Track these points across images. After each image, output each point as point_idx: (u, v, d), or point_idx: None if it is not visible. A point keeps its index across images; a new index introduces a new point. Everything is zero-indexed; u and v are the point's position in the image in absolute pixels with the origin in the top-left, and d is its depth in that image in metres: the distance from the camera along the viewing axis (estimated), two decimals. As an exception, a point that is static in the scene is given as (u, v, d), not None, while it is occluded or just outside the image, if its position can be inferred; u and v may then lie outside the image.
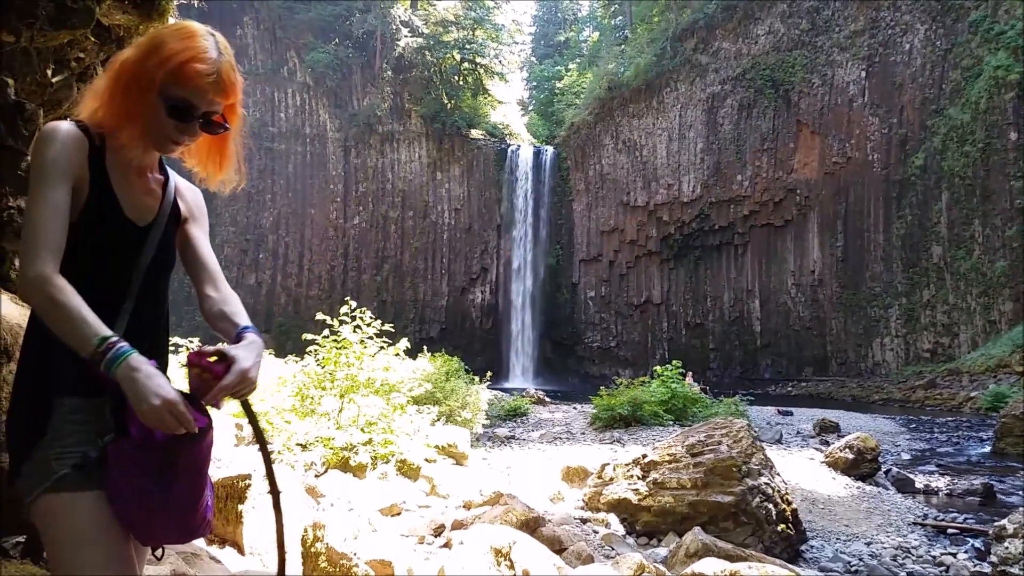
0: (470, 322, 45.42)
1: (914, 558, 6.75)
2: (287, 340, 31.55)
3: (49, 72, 4.28)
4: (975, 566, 6.40)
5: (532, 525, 5.58)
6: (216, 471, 4.87)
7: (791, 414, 20.34)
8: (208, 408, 1.62)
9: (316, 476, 6.85)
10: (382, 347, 9.26)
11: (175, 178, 1.91)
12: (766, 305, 39.34)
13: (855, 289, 35.79)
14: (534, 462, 10.63)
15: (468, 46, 46.53)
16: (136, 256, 1.74)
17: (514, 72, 55.79)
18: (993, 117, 29.57)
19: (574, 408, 19.34)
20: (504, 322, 44.47)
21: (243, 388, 1.59)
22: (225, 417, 7.21)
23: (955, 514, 8.77)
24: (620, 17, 51.54)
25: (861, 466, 10.52)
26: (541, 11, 65.84)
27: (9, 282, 3.78)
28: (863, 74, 35.47)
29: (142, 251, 1.75)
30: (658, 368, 15.91)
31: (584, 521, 6.99)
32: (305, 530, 4.22)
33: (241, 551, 4.59)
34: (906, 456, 13.47)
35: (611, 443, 12.73)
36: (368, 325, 8.93)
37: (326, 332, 8.73)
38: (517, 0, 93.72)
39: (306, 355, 9.13)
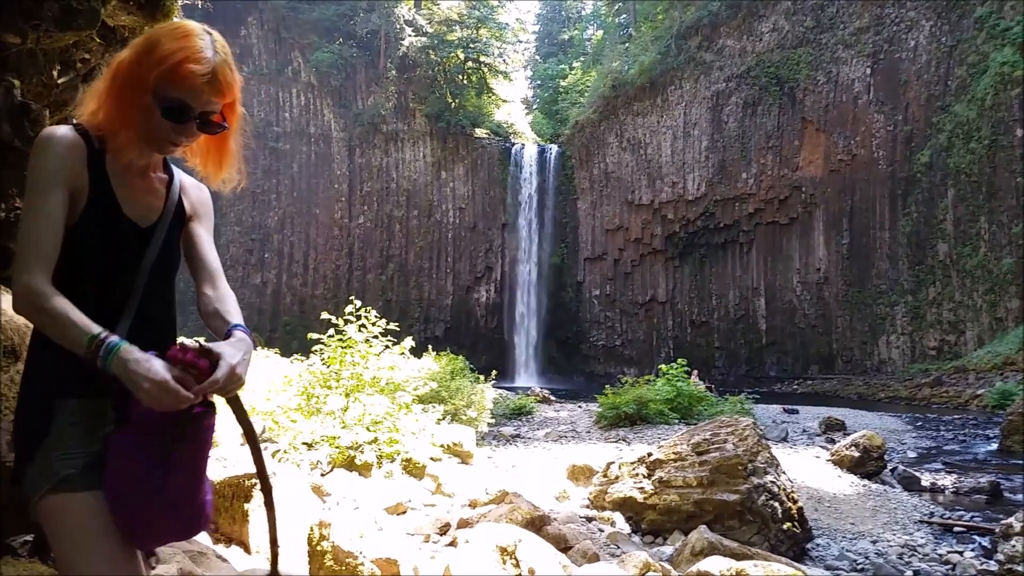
0: (475, 321, 45.44)
1: (920, 556, 6.73)
2: (293, 339, 31.67)
3: (55, 73, 4.30)
4: (982, 564, 6.38)
5: (538, 524, 5.58)
6: (222, 470, 4.88)
7: (797, 412, 20.29)
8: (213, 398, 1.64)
9: (322, 475, 6.86)
10: (387, 346, 9.28)
11: (180, 176, 1.91)
12: (771, 303, 39.25)
13: (861, 287, 35.68)
14: (539, 461, 10.63)
15: (472, 45, 46.54)
16: (139, 257, 1.75)
17: (518, 71, 55.86)
18: (999, 114, 29.42)
19: (579, 407, 19.33)
20: (509, 321, 44.48)
21: (231, 385, 1.59)
22: (230, 416, 7.23)
23: (961, 512, 8.74)
24: (624, 15, 51.48)
25: (867, 464, 10.48)
26: (545, 9, 65.75)
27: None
28: (868, 71, 35.35)
29: (145, 252, 1.76)
30: (663, 366, 15.88)
31: (589, 520, 6.99)
32: (311, 529, 4.23)
33: (247, 550, 4.61)
34: (912, 454, 13.43)
35: (616, 442, 12.72)
36: (373, 324, 8.94)
37: (331, 331, 8.74)
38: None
39: (311, 354, 9.15)
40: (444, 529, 5.93)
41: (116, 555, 1.57)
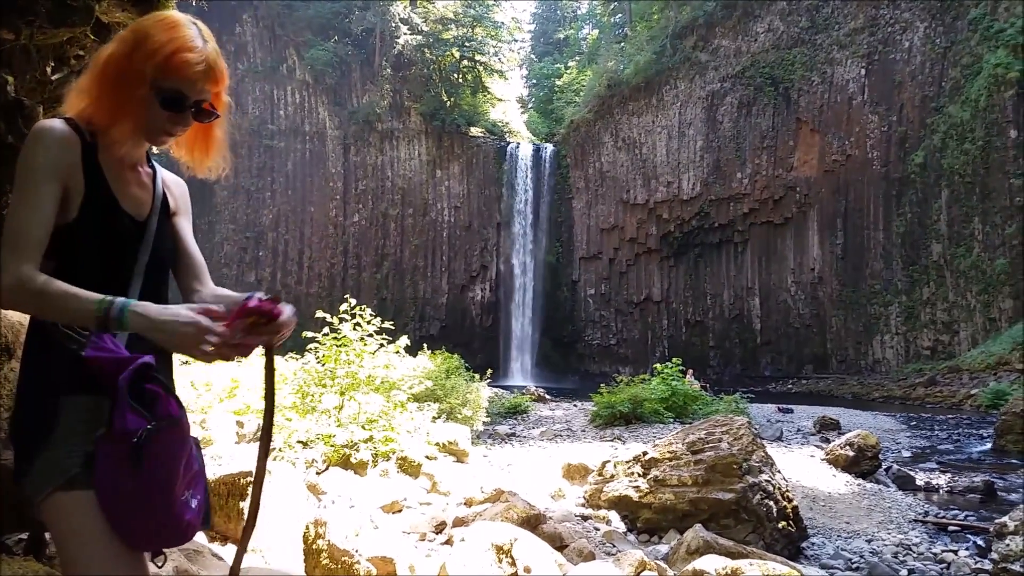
0: (470, 320, 45.43)
1: (915, 555, 6.74)
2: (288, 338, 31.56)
3: (48, 69, 4.27)
4: (976, 563, 6.40)
5: (533, 522, 5.57)
6: (217, 468, 4.86)
7: (791, 411, 20.34)
8: (180, 403, 1.62)
9: (317, 473, 6.84)
10: (382, 345, 9.25)
11: (161, 171, 1.91)
12: (766, 303, 39.36)
13: (855, 287, 35.81)
14: (535, 459, 10.62)
15: (467, 44, 46.48)
16: (136, 250, 1.74)
17: (513, 70, 55.76)
18: (993, 115, 29.56)
19: (574, 406, 19.34)
20: (504, 320, 44.48)
21: (287, 330, 1.66)
22: (226, 415, 7.21)
23: (956, 511, 8.77)
24: (620, 15, 51.53)
25: (862, 463, 10.51)
26: (540, 8, 65.83)
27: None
28: (863, 72, 35.47)
29: (141, 245, 1.75)
30: (658, 366, 15.90)
31: (585, 518, 6.99)
32: (307, 527, 4.21)
33: (243, 548, 4.58)
34: (907, 453, 13.47)
35: (612, 440, 12.73)
36: (368, 323, 8.92)
37: (326, 330, 8.72)
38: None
39: (306, 353, 9.12)
40: (440, 528, 5.92)
41: (122, 554, 1.55)
